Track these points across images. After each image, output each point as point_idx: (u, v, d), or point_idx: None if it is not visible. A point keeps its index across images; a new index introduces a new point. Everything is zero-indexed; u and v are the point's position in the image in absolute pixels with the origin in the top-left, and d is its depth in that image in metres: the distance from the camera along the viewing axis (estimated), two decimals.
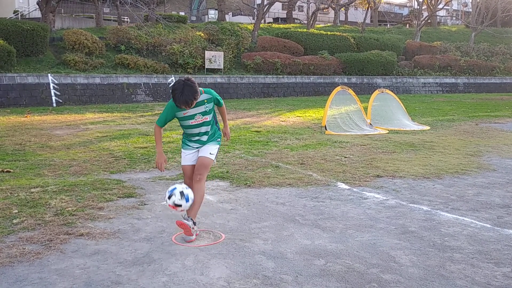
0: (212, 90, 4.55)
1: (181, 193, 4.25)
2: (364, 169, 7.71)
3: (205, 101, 4.40)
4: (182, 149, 4.67)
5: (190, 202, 4.30)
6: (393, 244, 4.40)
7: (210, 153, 4.51)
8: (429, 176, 7.24)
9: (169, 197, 4.28)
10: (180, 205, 4.26)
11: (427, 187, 6.59)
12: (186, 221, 4.34)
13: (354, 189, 6.45)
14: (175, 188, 4.30)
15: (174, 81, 23.82)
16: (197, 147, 4.57)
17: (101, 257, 4.03)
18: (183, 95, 4.17)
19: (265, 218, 5.16)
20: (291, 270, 3.81)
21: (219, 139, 4.63)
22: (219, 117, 4.81)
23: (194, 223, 4.43)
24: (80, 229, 4.66)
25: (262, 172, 7.41)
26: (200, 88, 4.41)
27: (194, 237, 4.44)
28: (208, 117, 4.47)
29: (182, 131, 4.72)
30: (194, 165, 4.55)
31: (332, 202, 5.82)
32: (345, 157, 8.75)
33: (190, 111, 4.39)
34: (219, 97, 4.58)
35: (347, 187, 6.59)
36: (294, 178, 7.01)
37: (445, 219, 5.18)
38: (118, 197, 5.88)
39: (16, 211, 5.17)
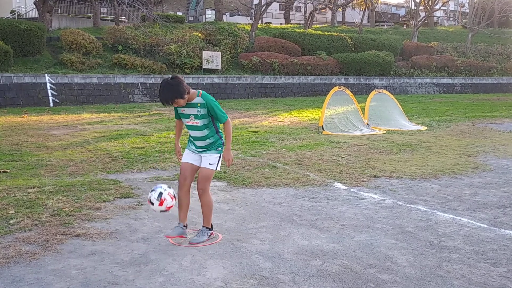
0: (212, 99, 4.36)
1: (160, 194, 4.32)
2: (361, 169, 7.72)
3: (198, 104, 4.33)
4: (186, 147, 4.68)
5: (163, 208, 4.34)
6: (390, 244, 4.41)
7: (209, 164, 4.45)
8: (426, 176, 7.25)
9: (151, 191, 4.40)
10: (153, 204, 4.35)
11: (424, 187, 6.61)
12: (198, 239, 4.42)
13: (351, 189, 6.46)
14: (160, 187, 4.40)
15: None
16: (195, 149, 4.53)
17: (98, 258, 4.02)
18: (163, 94, 4.22)
19: (262, 218, 5.16)
20: (288, 270, 3.81)
21: (219, 148, 4.51)
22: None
23: (210, 229, 4.54)
24: (77, 229, 4.66)
25: (259, 172, 7.41)
26: (198, 90, 4.40)
27: (205, 238, 4.49)
28: (200, 122, 4.36)
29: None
30: (191, 164, 4.52)
31: (329, 202, 5.83)
32: (342, 157, 8.76)
33: (186, 110, 4.39)
34: (218, 110, 4.31)
35: (344, 187, 6.60)
36: (291, 178, 7.01)
37: (442, 219, 5.19)
38: (115, 197, 5.87)
39: (13, 211, 5.16)
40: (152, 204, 4.34)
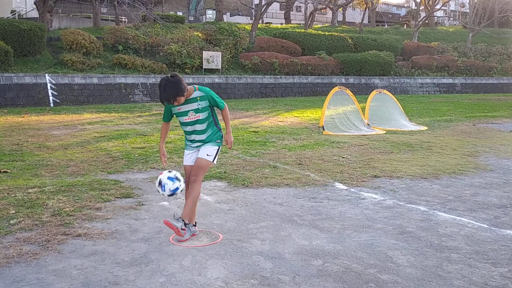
0: (209, 89, 4.49)
1: (160, 181, 4.39)
2: (361, 169, 7.71)
3: (198, 98, 4.38)
4: (184, 149, 4.69)
5: (168, 192, 4.38)
6: (391, 245, 4.41)
7: (207, 155, 4.48)
8: (427, 177, 7.25)
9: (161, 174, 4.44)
10: (158, 191, 4.44)
11: (424, 188, 6.61)
12: (173, 222, 4.35)
13: (352, 190, 6.46)
14: (161, 174, 4.45)
15: None
16: (195, 147, 4.57)
17: (98, 258, 4.02)
18: (165, 93, 4.24)
19: (262, 219, 5.16)
20: (288, 270, 3.81)
21: (218, 141, 4.57)
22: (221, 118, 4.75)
23: (186, 224, 4.41)
24: (77, 229, 4.66)
25: (259, 172, 7.41)
26: (194, 85, 4.44)
27: (186, 237, 4.41)
28: (201, 115, 4.42)
29: (182, 131, 4.76)
30: (193, 165, 4.55)
31: (330, 202, 5.83)
32: (343, 157, 8.76)
33: (184, 108, 4.40)
34: (217, 98, 4.46)
35: (344, 187, 6.60)
36: (291, 178, 7.01)
37: (442, 219, 5.19)
38: (116, 197, 5.88)
39: (13, 211, 5.16)
40: (158, 191, 4.43)
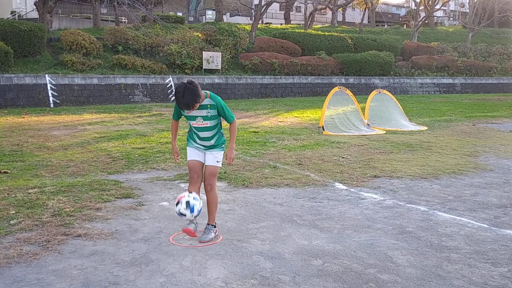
0: (220, 99, 4.43)
1: (187, 202, 4.28)
2: (361, 169, 7.72)
3: (208, 106, 4.37)
4: (187, 147, 4.70)
5: (196, 213, 4.32)
6: (391, 244, 4.41)
7: (216, 161, 4.55)
8: (427, 177, 7.25)
9: (176, 204, 4.33)
10: (185, 215, 4.31)
11: (424, 187, 6.61)
12: (206, 237, 4.45)
13: (352, 190, 6.46)
14: (183, 196, 4.33)
15: (171, 82, 23.83)
16: (201, 147, 4.59)
17: (98, 258, 4.03)
18: (184, 99, 4.21)
19: (262, 219, 5.16)
20: (288, 270, 3.82)
21: (223, 145, 4.64)
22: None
23: (214, 226, 4.59)
24: (77, 229, 4.66)
25: (259, 172, 7.41)
26: (207, 92, 4.42)
27: (213, 235, 4.53)
28: (209, 123, 4.43)
29: (185, 131, 4.77)
30: (199, 161, 4.58)
31: (330, 202, 5.83)
32: (343, 157, 8.76)
33: (193, 112, 4.40)
34: (227, 111, 4.41)
35: (344, 187, 6.60)
36: (291, 178, 7.01)
37: (442, 219, 5.19)
38: (116, 197, 5.88)
39: (14, 212, 5.16)
40: (185, 215, 4.31)
